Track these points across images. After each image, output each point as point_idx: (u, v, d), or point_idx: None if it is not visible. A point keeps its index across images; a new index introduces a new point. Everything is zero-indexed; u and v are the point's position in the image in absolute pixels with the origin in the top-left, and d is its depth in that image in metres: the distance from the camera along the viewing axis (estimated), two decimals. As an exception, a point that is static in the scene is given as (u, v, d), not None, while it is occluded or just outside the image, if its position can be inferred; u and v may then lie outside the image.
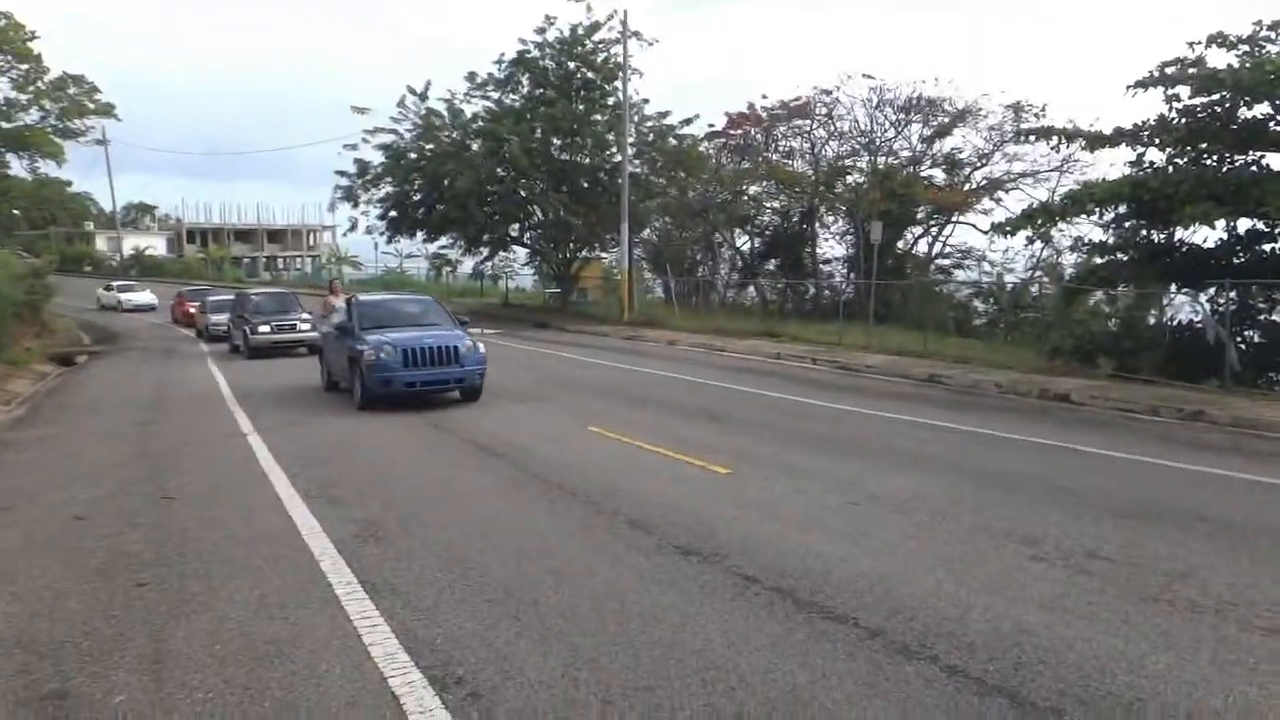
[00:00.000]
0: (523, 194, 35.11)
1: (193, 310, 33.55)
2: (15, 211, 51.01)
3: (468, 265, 44.29)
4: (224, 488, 8.52)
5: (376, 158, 36.20)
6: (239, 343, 23.88)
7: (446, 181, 33.26)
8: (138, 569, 6.09)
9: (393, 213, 37.04)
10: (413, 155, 35.62)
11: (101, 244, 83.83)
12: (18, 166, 39.63)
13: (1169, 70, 17.56)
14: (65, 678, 4.43)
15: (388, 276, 56.95)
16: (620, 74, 32.24)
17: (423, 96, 35.35)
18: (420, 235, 38.86)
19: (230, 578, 5.85)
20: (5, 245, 31.42)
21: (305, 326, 23.24)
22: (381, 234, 39.14)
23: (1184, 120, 17.80)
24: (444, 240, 39.22)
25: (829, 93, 35.27)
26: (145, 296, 47.13)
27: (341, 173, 37.06)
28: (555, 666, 4.41)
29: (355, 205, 37.52)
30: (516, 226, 37.81)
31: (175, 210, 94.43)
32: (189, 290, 38.84)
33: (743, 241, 40.64)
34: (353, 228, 39.60)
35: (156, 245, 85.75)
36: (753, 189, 38.18)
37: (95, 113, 41.44)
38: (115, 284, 50.33)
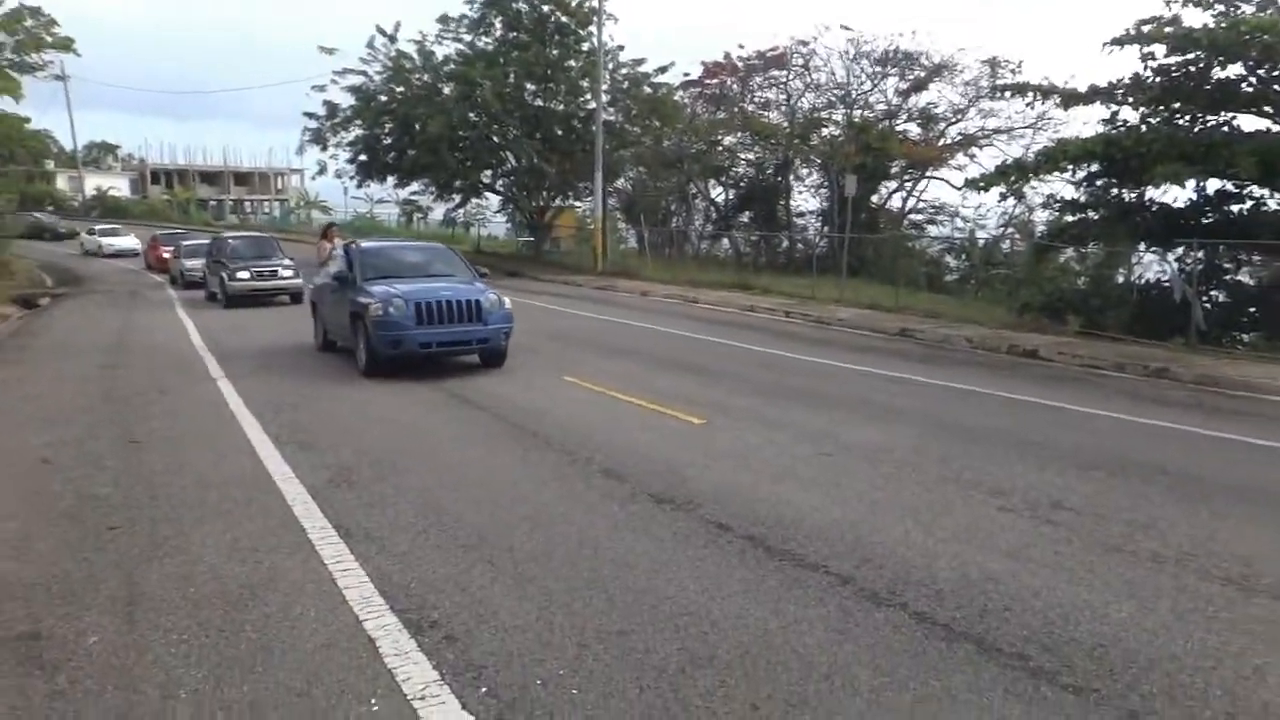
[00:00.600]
0: (495, 140, 34.62)
1: (167, 255, 31.68)
2: (-30, 148, 49.46)
3: (439, 212, 43.77)
4: (192, 434, 8.44)
5: (346, 100, 35.55)
6: (215, 289, 22.47)
7: (417, 125, 32.71)
8: (107, 512, 6.04)
9: (362, 156, 36.44)
10: (383, 98, 34.94)
11: (62, 183, 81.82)
12: (-28, 102, 38.30)
13: (1145, 28, 17.55)
14: (36, 619, 4.41)
15: (358, 222, 56.18)
16: (595, 19, 31.71)
17: (392, 38, 34.60)
18: (391, 180, 38.29)
19: (202, 522, 5.83)
20: (-40, 183, 30.52)
21: (287, 273, 21.84)
22: (351, 178, 38.58)
23: (1158, 79, 17.85)
24: (415, 186, 38.68)
25: (806, 44, 35.00)
26: (128, 241, 44.27)
27: (310, 114, 36.38)
28: (530, 610, 4.45)
29: (324, 148, 36.91)
30: (489, 173, 37.36)
31: (139, 150, 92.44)
32: (163, 234, 36.55)
33: (717, 193, 40.48)
34: (321, 171, 39.03)
35: (120, 186, 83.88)
36: (728, 140, 37.92)
37: (53, 46, 40.08)
38: (97, 227, 47.60)
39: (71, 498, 6.39)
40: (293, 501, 6.22)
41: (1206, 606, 4.57)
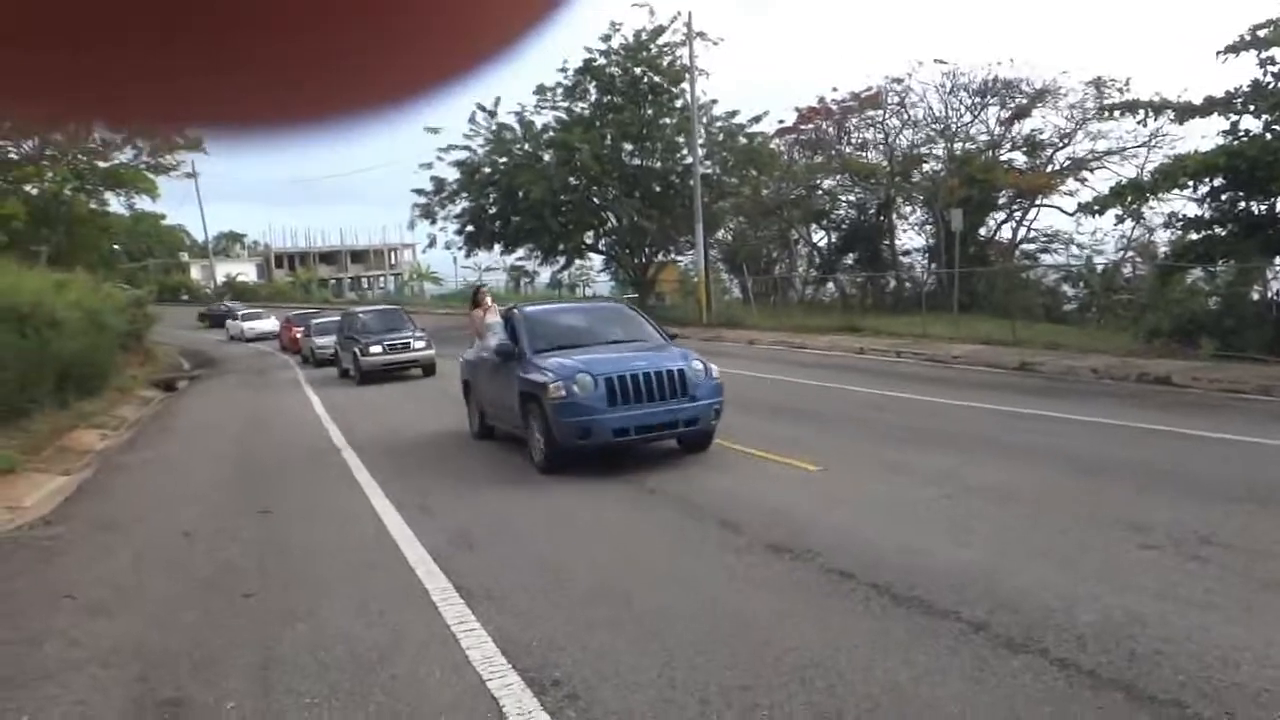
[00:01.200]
0: (596, 201, 35.32)
1: (298, 335, 31.17)
2: (116, 247, 53.15)
3: (545, 275, 44.81)
4: (321, 505, 8.75)
5: (451, 174, 36.92)
6: (348, 365, 21.58)
7: (520, 193, 33.66)
8: (243, 581, 6.28)
9: (469, 227, 37.67)
10: (486, 169, 36.16)
11: (196, 273, 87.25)
12: (115, 204, 41.37)
13: (1261, 32, 16.78)
14: (179, 686, 4.59)
15: (467, 290, 57.91)
16: (687, 75, 32.23)
17: (492, 113, 35.87)
18: (498, 247, 39.42)
19: (331, 586, 5.99)
20: (109, 279, 32.85)
21: (419, 344, 20.98)
22: (460, 248, 39.86)
23: (1281, 84, 16.99)
24: (521, 251, 39.72)
25: (900, 81, 34.65)
26: (269, 324, 43.35)
27: (419, 191, 37.88)
28: (651, 667, 4.39)
29: (433, 222, 38.30)
30: (591, 234, 38.08)
31: (263, 237, 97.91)
32: (295, 315, 35.84)
33: (819, 237, 40.20)
34: (431, 244, 40.42)
35: (247, 271, 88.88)
36: (827, 183, 37.72)
37: (184, 148, 43.06)
38: (240, 311, 47.20)
39: (210, 568, 6.67)
40: (415, 564, 6.34)
41: None
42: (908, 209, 37.07)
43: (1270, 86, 17.15)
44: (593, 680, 4.29)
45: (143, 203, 44.26)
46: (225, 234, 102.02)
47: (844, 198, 38.17)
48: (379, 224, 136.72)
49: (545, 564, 6.18)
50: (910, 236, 37.93)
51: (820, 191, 37.62)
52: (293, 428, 14.24)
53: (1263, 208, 17.72)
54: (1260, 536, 5.84)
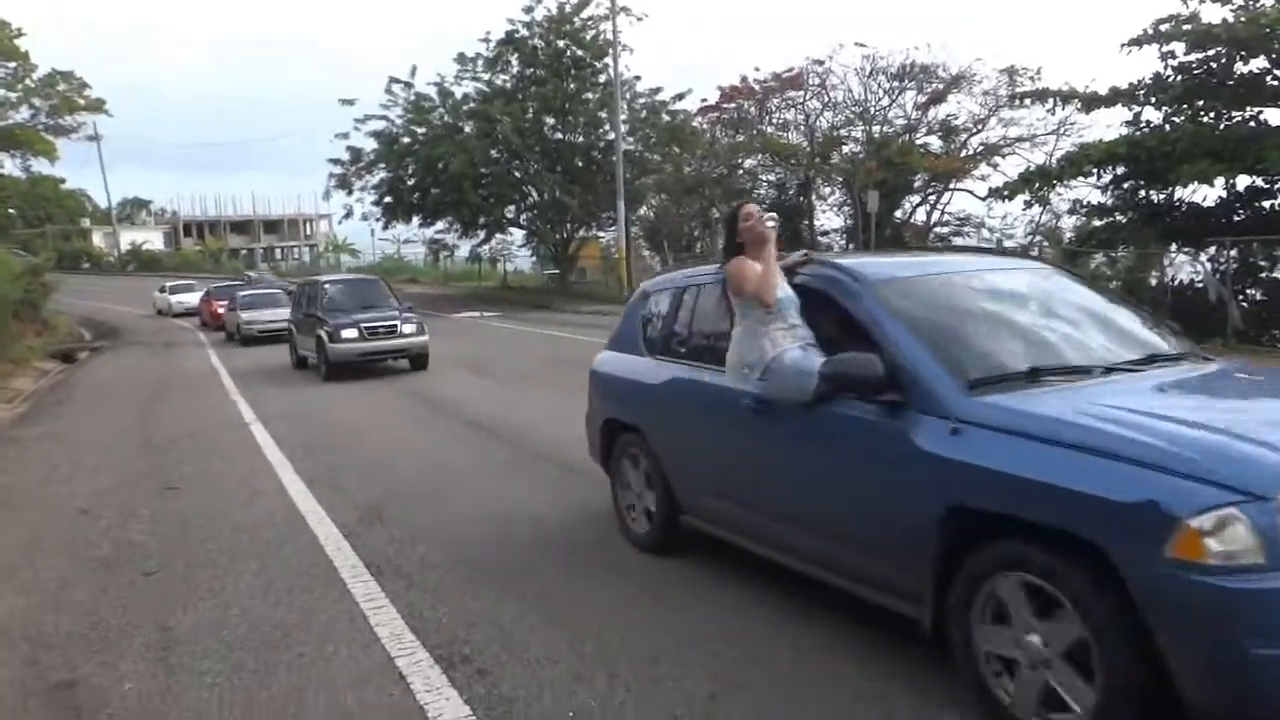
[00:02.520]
0: (517, 175, 35.00)
1: (221, 310, 28.54)
2: (11, 211, 50.60)
3: (465, 249, 44.26)
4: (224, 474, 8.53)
5: (369, 144, 36.12)
6: (307, 353, 16.80)
7: (440, 165, 33.15)
8: (143, 559, 6.09)
9: (387, 198, 36.98)
10: (405, 140, 35.48)
11: (98, 240, 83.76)
12: (11, 165, 39.33)
13: (1163, 27, 17.47)
14: (73, 667, 4.44)
15: (385, 263, 56.93)
16: (610, 51, 32.05)
17: (408, 84, 35.16)
18: (416, 220, 38.81)
19: (235, 564, 5.86)
20: (2, 244, 31.27)
21: (410, 328, 15.85)
22: (377, 220, 39.13)
23: (1180, 77, 17.73)
24: (440, 224, 39.14)
25: (821, 63, 35.02)
26: (195, 297, 38.06)
27: (335, 160, 36.97)
28: (562, 641, 4.41)
29: (350, 192, 37.51)
30: (512, 208, 37.75)
31: (171, 204, 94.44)
32: (217, 288, 33.14)
33: (741, 216, 40.50)
34: (348, 215, 39.61)
35: (153, 240, 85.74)
36: (748, 163, 38.00)
37: (86, 109, 41.18)
38: (169, 284, 42.23)
39: (108, 546, 6.45)
40: (324, 540, 6.24)
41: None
42: (827, 190, 37.63)
43: (1170, 80, 17.87)
44: (503, 656, 4.28)
45: (40, 165, 42.24)
46: (130, 200, 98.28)
47: (765, 177, 38.54)
48: (293, 193, 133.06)
49: (458, 540, 6.14)
50: (829, 217, 38.55)
51: (742, 171, 37.90)
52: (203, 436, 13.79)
53: (1161, 196, 18.51)
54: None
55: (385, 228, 41.04)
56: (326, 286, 17.47)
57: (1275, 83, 17.06)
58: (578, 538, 6.08)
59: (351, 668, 4.26)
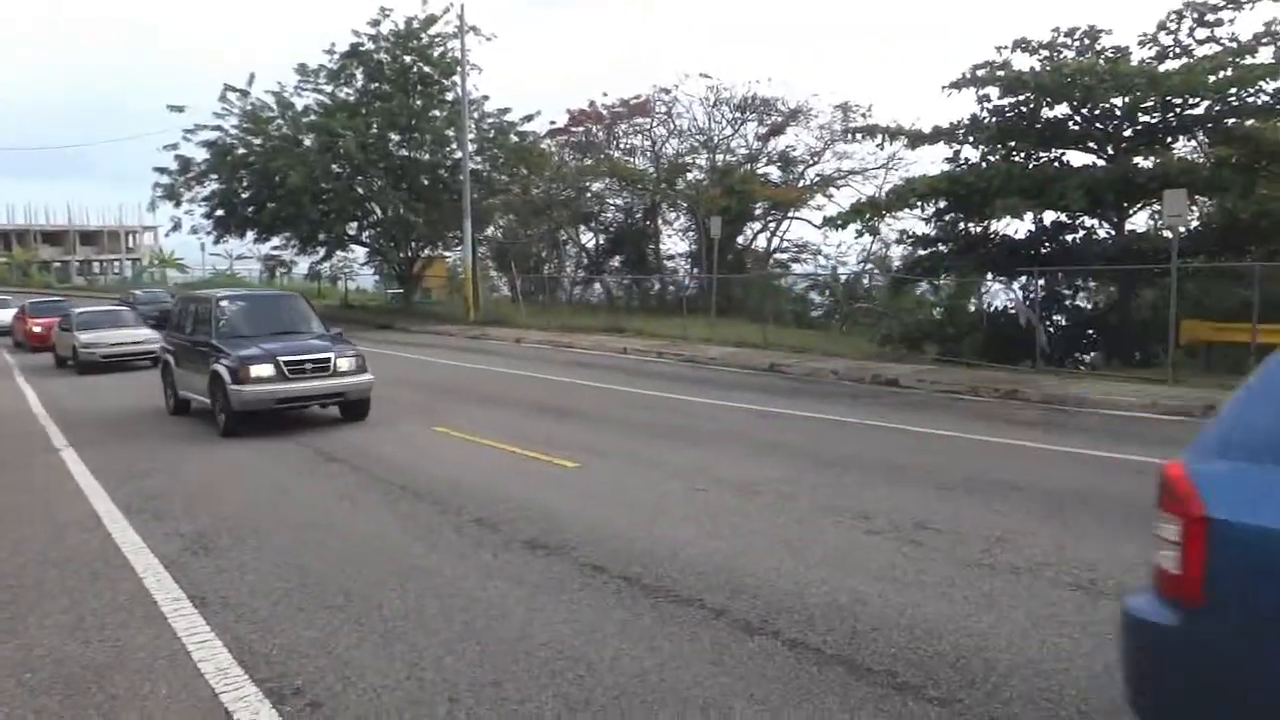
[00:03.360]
0: (360, 191, 34.02)
1: (39, 329, 24.75)
2: None
3: (304, 266, 42.62)
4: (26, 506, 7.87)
5: (200, 155, 34.30)
6: (186, 394, 12.89)
7: (277, 178, 31.80)
8: (-70, 599, 5.53)
9: (219, 211, 35.17)
10: (240, 151, 33.91)
11: (-118, 249, 75.91)
12: None
13: (980, 72, 18.79)
14: None
15: (216, 279, 54.12)
16: (459, 69, 31.73)
17: (245, 93, 33.67)
18: (251, 235, 37.07)
19: (41, 601, 5.41)
20: None
21: (347, 364, 11.72)
22: (208, 234, 37.19)
23: (994, 119, 19.11)
24: (276, 240, 37.55)
25: (668, 91, 35.92)
26: (9, 314, 31.01)
27: (162, 169, 34.92)
28: (399, 669, 4.29)
29: (178, 204, 35.45)
30: (355, 225, 36.63)
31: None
32: (34, 304, 28.22)
33: (587, 238, 40.85)
34: (175, 228, 37.46)
35: (-53, 249, 78.38)
36: (596, 186, 38.40)
37: None
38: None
39: (-112, 586, 5.83)
40: (144, 573, 5.85)
41: (1059, 612, 4.80)
42: (672, 215, 38.49)
43: (986, 121, 19.25)
44: (336, 686, 4.13)
45: None
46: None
47: (612, 201, 39.03)
48: (114, 203, 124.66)
49: (288, 567, 5.88)
50: (674, 242, 39.42)
51: (589, 194, 38.24)
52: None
53: (978, 228, 19.85)
54: (966, 520, 6.54)
55: (217, 242, 39.05)
56: (224, 304, 12.92)
57: (1075, 127, 18.65)
58: (417, 558, 5.94)
59: (172, 707, 4.01)
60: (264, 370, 11.21)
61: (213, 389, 11.60)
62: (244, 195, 34.41)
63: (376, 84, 33.24)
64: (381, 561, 5.97)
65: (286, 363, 11.34)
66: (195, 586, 5.55)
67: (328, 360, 11.61)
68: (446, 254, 40.13)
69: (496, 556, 6.00)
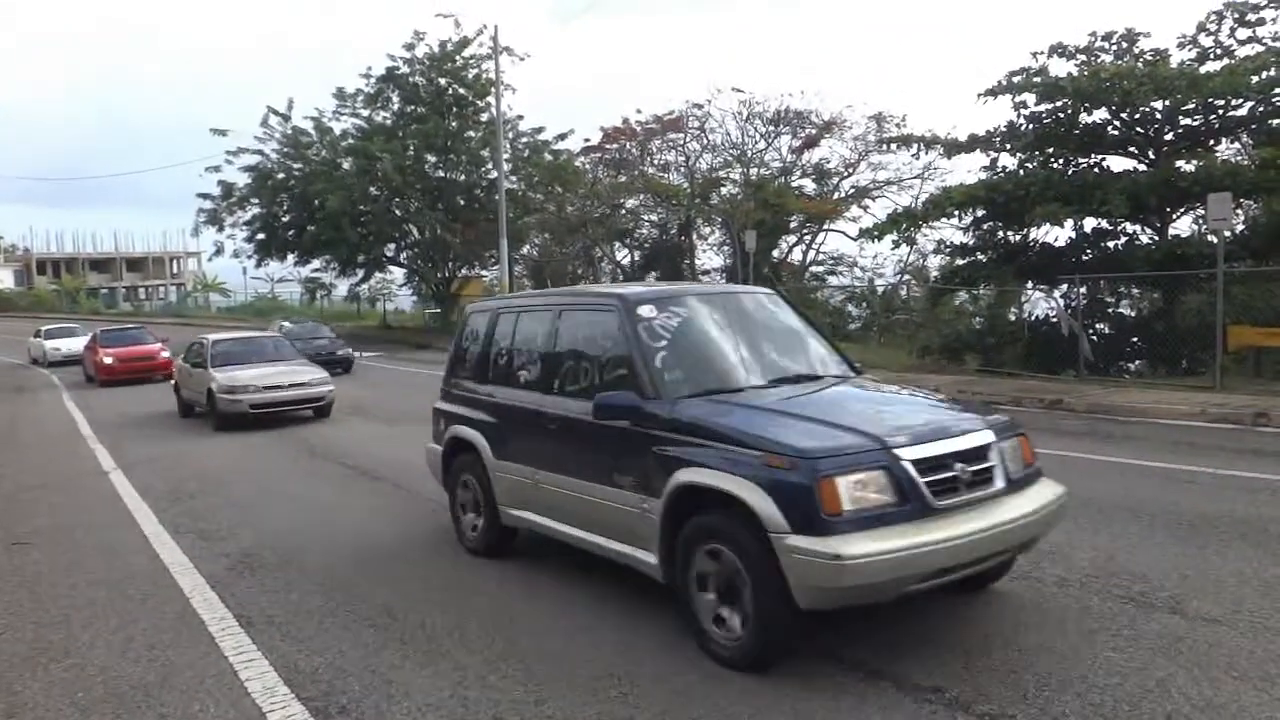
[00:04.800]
0: (397, 213, 34.47)
1: (110, 360, 22.33)
2: None
3: (343, 288, 43.19)
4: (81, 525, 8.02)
5: (241, 179, 34.99)
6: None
7: (317, 202, 32.37)
8: (-14, 620, 5.65)
9: (260, 235, 35.82)
10: (280, 175, 34.53)
11: (-59, 278, 78.16)
12: None
13: (1016, 79, 18.60)
14: (-97, 742, 4.07)
15: (259, 303, 55.05)
16: (493, 90, 32.08)
17: (285, 117, 34.32)
18: (291, 258, 37.67)
19: (92, 621, 5.50)
20: None
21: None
22: (250, 257, 37.83)
23: (1031, 126, 18.89)
24: (316, 263, 38.12)
25: (700, 106, 35.90)
26: (81, 343, 27.87)
27: (205, 195, 35.64)
28: (443, 686, 4.30)
29: (220, 229, 36.18)
30: (392, 246, 37.10)
31: (23, 240, 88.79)
32: (107, 332, 25.01)
33: (622, 255, 40.91)
34: (218, 252, 38.14)
35: (3, 278, 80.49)
36: (630, 202, 38.48)
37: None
38: (43, 328, 32.51)
39: (-54, 607, 5.96)
40: (190, 592, 5.93)
41: (1110, 625, 4.70)
42: (707, 230, 38.40)
43: (1022, 128, 19.04)
44: (382, 704, 4.15)
45: None
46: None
47: (646, 217, 39.07)
48: (159, 229, 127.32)
49: (335, 586, 5.93)
50: (710, 256, 39.32)
51: (624, 211, 38.33)
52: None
53: (1017, 237, 19.60)
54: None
55: (258, 265, 39.75)
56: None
57: (1115, 132, 18.38)
58: (464, 575, 5.96)
59: (219, 725, 4.05)
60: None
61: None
62: (284, 219, 35.03)
63: (412, 107, 33.72)
64: (424, 580, 5.99)
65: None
66: (241, 605, 5.62)
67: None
68: (483, 273, 40.47)
69: (538, 574, 5.99)
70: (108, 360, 22.44)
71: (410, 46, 33.36)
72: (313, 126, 34.54)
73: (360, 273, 38.76)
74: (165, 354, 22.73)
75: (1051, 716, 3.75)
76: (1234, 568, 5.55)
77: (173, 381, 17.05)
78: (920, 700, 3.94)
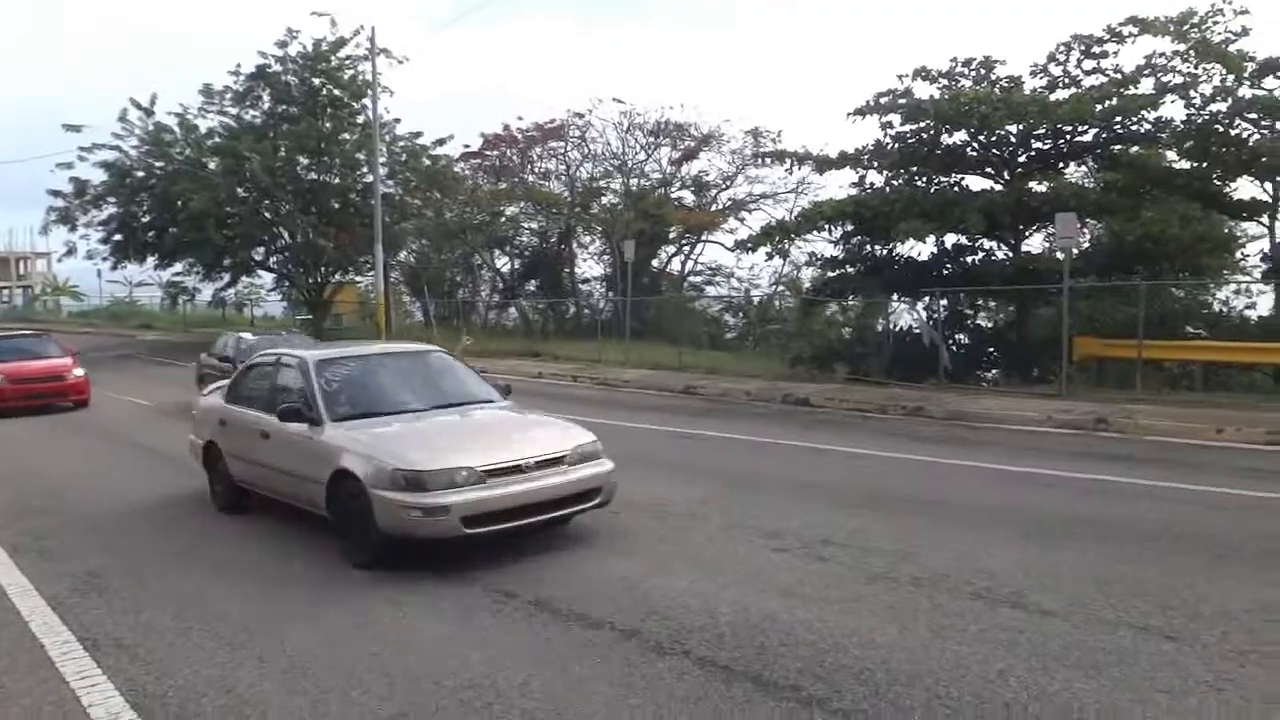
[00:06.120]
0: (267, 215, 33.21)
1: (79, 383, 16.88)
2: None
3: (207, 293, 41.33)
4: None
5: (98, 176, 33.06)
6: None
7: (180, 202, 30.85)
8: None
9: (117, 235, 33.88)
10: (140, 173, 32.79)
11: None
12: None
13: (883, 100, 19.38)
14: None
15: (115, 307, 52.17)
16: (369, 91, 31.33)
17: (148, 111, 32.65)
18: (151, 260, 35.80)
19: (-86, 649, 5.11)
20: None
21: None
22: (105, 259, 35.75)
23: (897, 145, 19.72)
24: (179, 266, 36.36)
25: (582, 115, 36.00)
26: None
27: (55, 192, 33.52)
28: (302, 706, 4.19)
29: (73, 229, 33.99)
30: (261, 250, 35.70)
31: None
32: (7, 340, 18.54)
33: (502, 263, 40.59)
34: (70, 253, 35.84)
35: None
36: (510, 210, 38.23)
37: None
38: None
39: None
40: (30, 616, 5.58)
41: (958, 621, 4.95)
42: (587, 239, 38.53)
43: (889, 147, 19.85)
44: (236, 725, 4.01)
45: None
46: None
47: (527, 225, 38.89)
48: (3, 227, 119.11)
49: (189, 601, 5.68)
50: (590, 265, 39.46)
51: (504, 218, 38.05)
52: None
53: (884, 250, 20.39)
54: (871, 535, 6.69)
55: (114, 268, 37.56)
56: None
57: (974, 153, 19.37)
58: (321, 590, 5.80)
59: (56, 754, 3.83)
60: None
61: None
62: (144, 219, 33.27)
63: (284, 106, 32.60)
64: (280, 597, 5.81)
65: None
66: (85, 628, 5.32)
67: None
68: (358, 279, 39.43)
69: (403, 584, 5.90)
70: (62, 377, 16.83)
71: (283, 44, 32.20)
72: (176, 123, 32.94)
73: (226, 277, 37.18)
74: (78, 371, 17.08)
75: (902, 710, 3.93)
76: (1073, 564, 5.92)
77: (199, 444, 9.01)
78: (779, 699, 4.06)
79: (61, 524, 8.07)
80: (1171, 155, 18.39)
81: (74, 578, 6.36)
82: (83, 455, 12.02)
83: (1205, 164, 17.46)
